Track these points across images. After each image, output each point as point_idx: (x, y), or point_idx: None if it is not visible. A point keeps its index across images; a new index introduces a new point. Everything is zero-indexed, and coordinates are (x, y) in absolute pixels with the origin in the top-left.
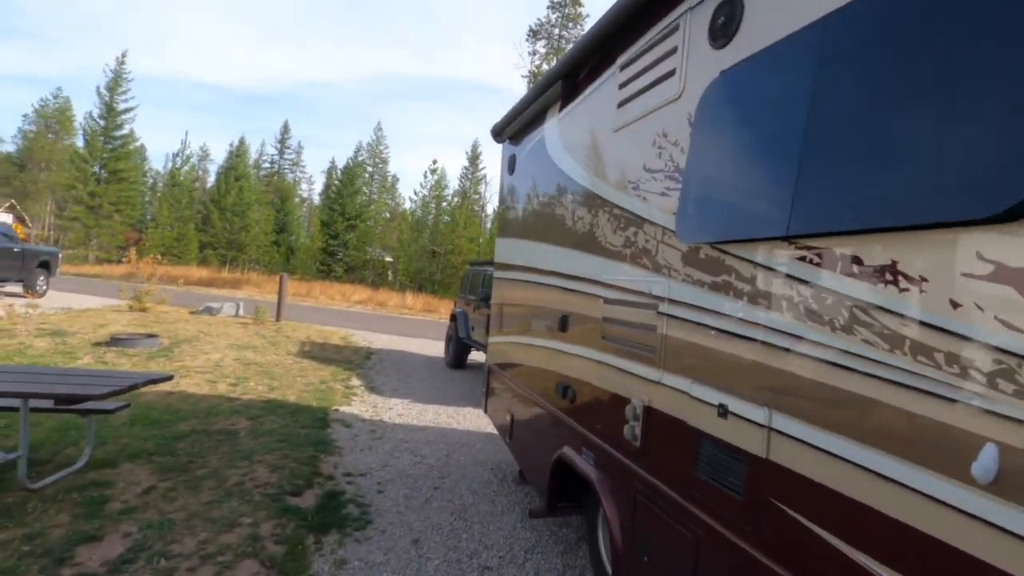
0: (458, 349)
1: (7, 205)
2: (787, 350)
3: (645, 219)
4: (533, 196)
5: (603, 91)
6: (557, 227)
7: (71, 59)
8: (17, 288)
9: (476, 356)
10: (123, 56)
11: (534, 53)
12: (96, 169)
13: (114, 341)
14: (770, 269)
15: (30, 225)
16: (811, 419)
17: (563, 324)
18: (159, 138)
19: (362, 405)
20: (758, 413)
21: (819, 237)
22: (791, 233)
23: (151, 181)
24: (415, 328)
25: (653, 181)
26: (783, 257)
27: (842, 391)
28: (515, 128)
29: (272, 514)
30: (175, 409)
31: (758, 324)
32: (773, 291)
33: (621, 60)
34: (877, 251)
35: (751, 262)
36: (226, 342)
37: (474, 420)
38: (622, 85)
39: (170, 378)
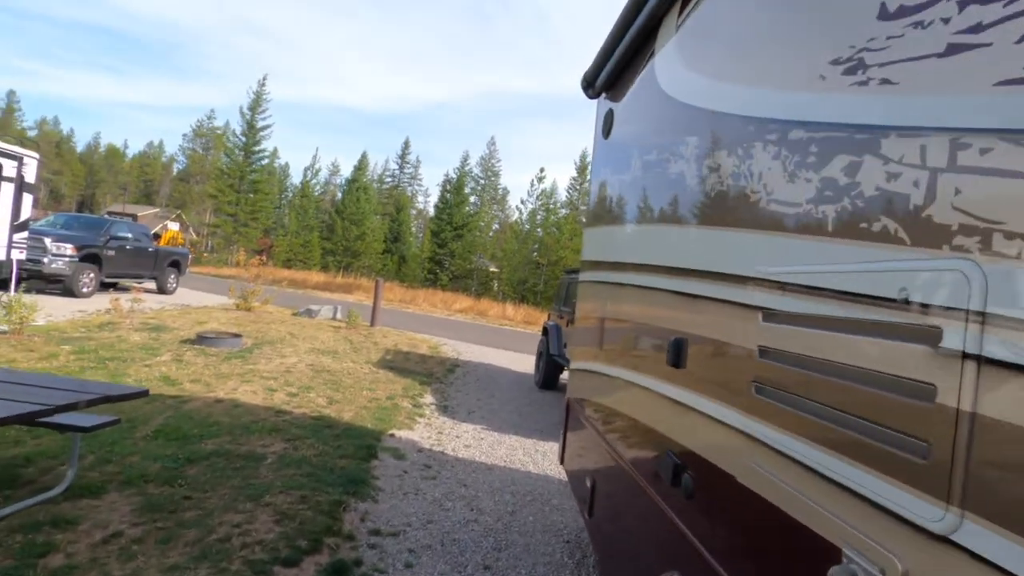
0: (549, 367)
1: (175, 215)
2: None
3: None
4: (640, 159)
5: None
6: (677, 196)
7: (236, 90)
8: (151, 284)
9: None
10: (264, 79)
11: None
12: (236, 181)
13: (200, 339)
14: None
15: (194, 234)
16: None
17: (676, 355)
18: (300, 156)
19: (426, 430)
20: None
21: None
22: None
23: (290, 195)
24: (511, 340)
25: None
26: None
27: None
28: (612, 70)
29: None
30: (213, 422)
31: None
32: None
33: None
34: None
35: None
36: (309, 345)
37: (554, 461)
38: None
39: (144, 393)
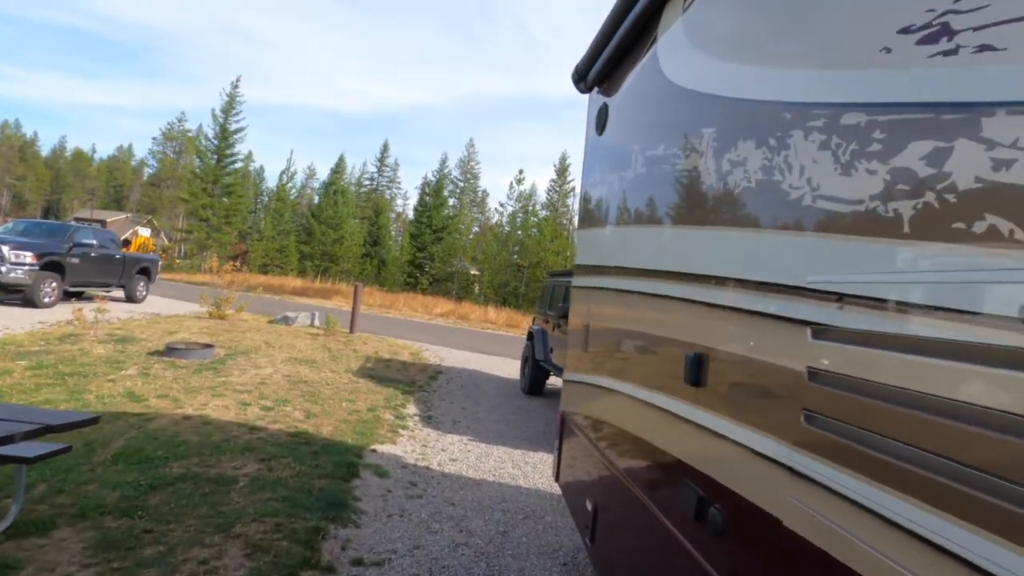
0: (535, 373)
1: (146, 220)
2: None
3: None
4: (643, 155)
5: None
6: (691, 194)
7: (210, 92)
8: (120, 293)
9: (556, 381)
10: (237, 80)
11: None
12: (209, 185)
13: (168, 351)
14: None
15: (166, 239)
16: None
17: (695, 372)
18: (276, 160)
19: (410, 443)
20: None
21: None
22: None
23: (265, 199)
24: (494, 344)
25: None
26: None
27: None
28: (607, 61)
29: None
30: (180, 441)
31: None
32: None
33: None
34: None
35: None
36: (286, 355)
37: (545, 473)
38: None
39: (94, 420)
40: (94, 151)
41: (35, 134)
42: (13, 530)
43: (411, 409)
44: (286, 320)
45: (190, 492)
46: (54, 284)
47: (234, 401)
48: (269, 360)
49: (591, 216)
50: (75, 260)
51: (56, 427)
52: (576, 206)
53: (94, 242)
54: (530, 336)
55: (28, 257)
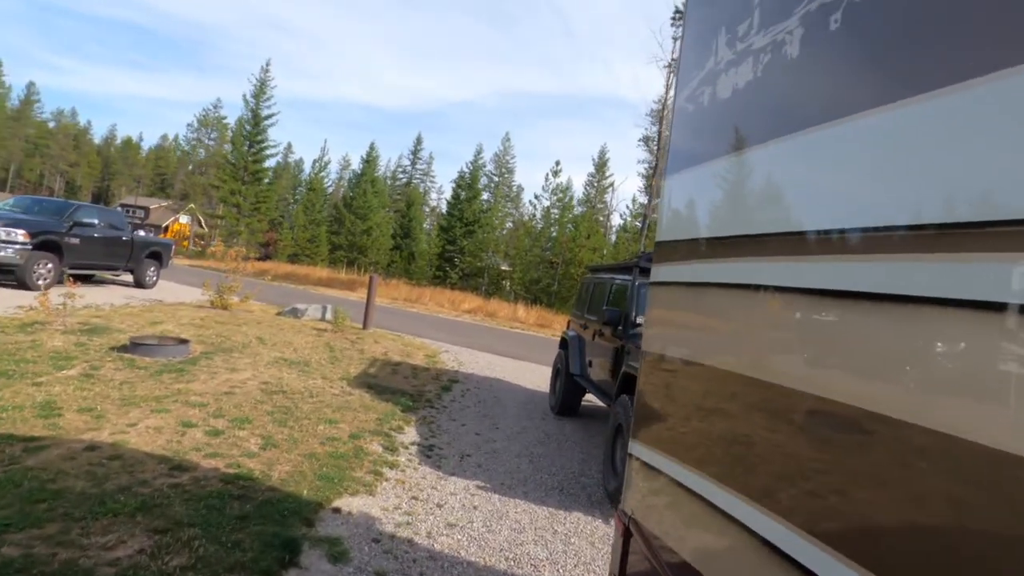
0: (569, 389)
1: (188, 208)
2: None
3: None
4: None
5: None
6: None
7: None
8: (129, 277)
9: (593, 399)
10: (267, 65)
11: (677, 38)
12: (241, 172)
13: (133, 346)
14: None
15: (203, 226)
16: None
17: None
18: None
19: (393, 493)
20: None
21: None
22: None
23: (303, 191)
24: (522, 347)
25: None
26: None
27: None
28: None
29: None
30: (54, 490)
31: None
32: None
33: None
34: None
35: None
36: (276, 354)
37: (582, 559)
38: None
39: None
40: (141, 139)
41: (88, 123)
42: None
43: (409, 435)
44: (295, 312)
45: None
46: (50, 266)
47: (175, 420)
48: (252, 361)
49: (709, 136)
50: (74, 240)
51: None
52: (615, 204)
53: (96, 222)
54: (563, 344)
55: (19, 235)
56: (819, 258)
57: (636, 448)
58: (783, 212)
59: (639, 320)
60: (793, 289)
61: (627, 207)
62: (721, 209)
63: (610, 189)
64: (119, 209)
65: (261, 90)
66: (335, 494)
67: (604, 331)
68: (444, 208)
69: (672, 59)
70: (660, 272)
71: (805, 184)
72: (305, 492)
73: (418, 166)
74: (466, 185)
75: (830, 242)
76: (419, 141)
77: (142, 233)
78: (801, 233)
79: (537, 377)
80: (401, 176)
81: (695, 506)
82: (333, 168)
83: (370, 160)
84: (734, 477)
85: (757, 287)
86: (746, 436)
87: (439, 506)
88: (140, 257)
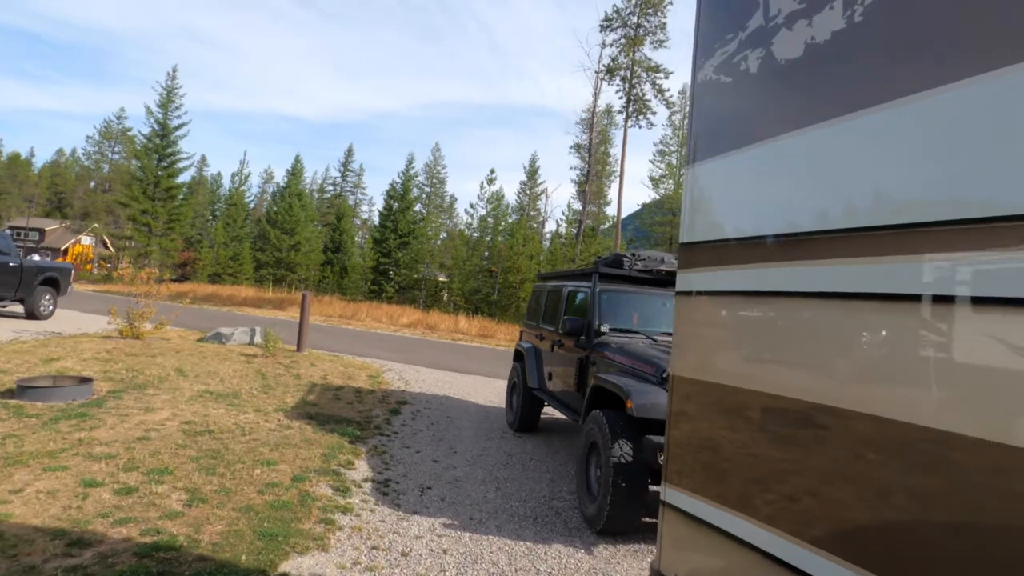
0: (527, 404)
1: (90, 228)
2: None
3: None
4: None
5: None
6: None
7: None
8: (19, 308)
9: (553, 413)
10: (174, 71)
11: (606, 45)
12: (150, 188)
13: (20, 390)
14: None
15: (109, 248)
16: None
17: None
18: (235, 167)
19: (350, 545)
20: None
21: None
22: None
23: (223, 206)
24: (468, 359)
25: None
26: None
27: None
28: None
29: None
30: None
31: None
32: None
33: None
34: None
35: None
36: (200, 387)
37: None
38: None
39: None
40: (32, 155)
41: None
42: None
43: (360, 470)
44: (219, 337)
45: None
46: None
47: (75, 479)
48: (172, 398)
49: (769, 108)
50: None
51: None
52: (549, 210)
53: None
54: (518, 356)
55: None
56: (935, 256)
57: (672, 495)
58: (898, 197)
59: (604, 328)
60: (902, 296)
61: (563, 213)
62: (795, 198)
63: (543, 196)
64: (7, 232)
65: (168, 99)
66: (280, 556)
67: (564, 341)
68: (376, 220)
69: (600, 66)
70: (688, 281)
71: (932, 158)
72: (244, 558)
73: (348, 178)
74: (398, 196)
75: (951, 239)
76: (350, 152)
77: (36, 257)
78: (924, 227)
79: (488, 391)
80: (330, 188)
81: (763, 569)
82: (255, 181)
83: (295, 173)
84: (816, 532)
85: (852, 295)
86: (831, 482)
87: (404, 555)
88: (32, 284)
